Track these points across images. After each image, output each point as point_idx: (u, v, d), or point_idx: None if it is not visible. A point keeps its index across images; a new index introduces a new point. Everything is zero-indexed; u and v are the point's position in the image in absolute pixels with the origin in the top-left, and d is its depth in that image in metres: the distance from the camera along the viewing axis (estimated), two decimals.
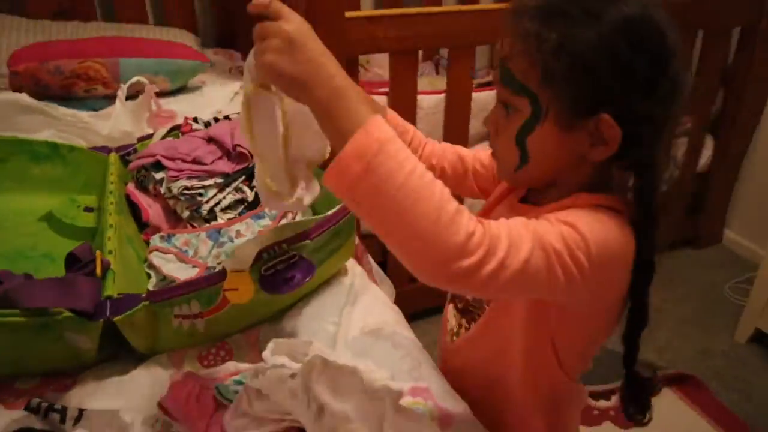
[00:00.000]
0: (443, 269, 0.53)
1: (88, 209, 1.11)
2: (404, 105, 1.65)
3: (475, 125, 1.81)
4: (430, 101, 1.76)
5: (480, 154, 0.91)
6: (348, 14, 1.51)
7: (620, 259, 0.65)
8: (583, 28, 0.61)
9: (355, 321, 0.87)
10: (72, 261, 0.85)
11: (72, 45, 1.48)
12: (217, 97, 1.60)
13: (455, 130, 1.75)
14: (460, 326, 0.82)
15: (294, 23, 0.59)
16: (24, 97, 1.24)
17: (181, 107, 1.54)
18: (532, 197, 0.76)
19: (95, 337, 0.76)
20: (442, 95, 1.74)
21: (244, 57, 1.61)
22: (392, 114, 0.87)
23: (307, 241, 0.83)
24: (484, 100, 1.81)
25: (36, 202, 1.11)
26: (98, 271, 0.79)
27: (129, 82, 1.30)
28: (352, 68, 1.61)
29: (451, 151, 0.92)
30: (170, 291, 0.79)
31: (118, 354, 0.82)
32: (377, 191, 0.53)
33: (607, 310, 0.70)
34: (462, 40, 1.64)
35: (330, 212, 0.89)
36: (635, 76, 0.62)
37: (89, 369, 0.80)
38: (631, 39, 0.61)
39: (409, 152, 0.55)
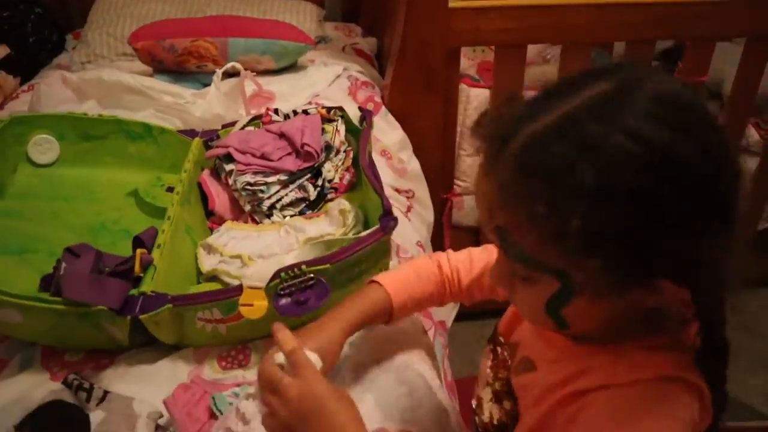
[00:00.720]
0: None
1: (169, 189, 1.20)
2: None
3: None
4: None
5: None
6: (452, 4, 1.48)
7: None
8: (595, 184, 0.47)
9: (368, 343, 0.88)
10: (137, 242, 0.95)
11: (185, 24, 1.59)
12: (318, 80, 1.64)
13: None
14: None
15: (295, 402, 0.60)
16: (127, 78, 1.36)
17: (282, 87, 1.60)
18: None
19: (125, 328, 0.84)
20: None
21: (364, 33, 1.65)
22: (392, 289, 0.80)
23: (328, 266, 0.86)
24: None
25: (128, 178, 1.22)
26: (137, 269, 0.87)
27: (224, 68, 1.38)
28: (453, 59, 1.57)
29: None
30: (193, 298, 0.85)
31: (153, 341, 0.91)
32: None
33: None
34: (576, 37, 1.53)
35: (360, 235, 0.91)
36: (689, 223, 0.48)
37: (125, 352, 0.90)
38: (663, 174, 0.47)
39: None
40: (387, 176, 1.42)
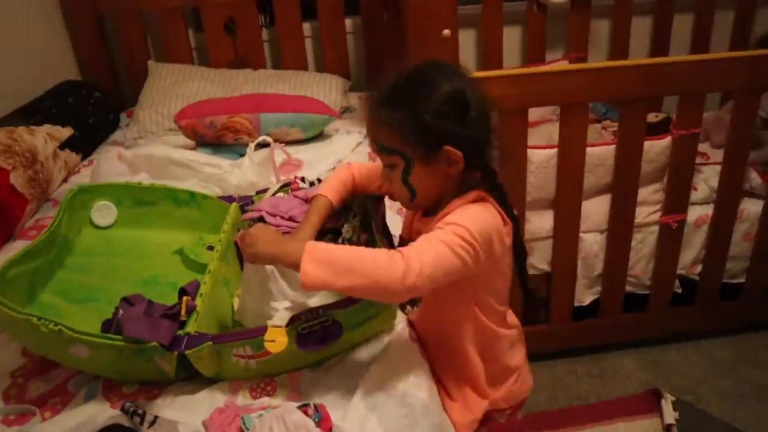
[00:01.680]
0: (398, 296, 0.94)
1: (209, 247, 1.38)
2: (514, 160, 1.74)
3: (590, 179, 1.84)
4: (541, 155, 1.83)
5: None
6: None
7: (494, 229, 0.98)
8: (420, 104, 0.94)
9: (378, 376, 1.02)
10: (182, 292, 1.11)
11: (223, 103, 1.81)
12: (341, 147, 1.83)
13: (569, 184, 1.79)
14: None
15: (255, 230, 1.01)
16: (173, 153, 1.56)
17: (309, 155, 1.79)
18: (430, 211, 1.06)
19: (173, 362, 1.00)
20: (554, 150, 1.79)
21: None
22: (329, 194, 1.22)
23: (342, 310, 1.01)
24: (599, 155, 1.83)
25: (174, 238, 1.41)
26: (183, 312, 1.03)
27: (256, 141, 1.57)
28: None
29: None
30: (229, 336, 1.01)
31: (196, 376, 1.06)
32: (333, 271, 0.89)
33: (499, 266, 1.04)
34: (573, 98, 1.68)
35: None
36: (452, 118, 0.94)
37: (171, 385, 1.05)
38: (449, 102, 0.95)
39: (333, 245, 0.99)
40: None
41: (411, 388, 1.00)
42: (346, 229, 1.33)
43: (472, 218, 0.96)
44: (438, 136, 0.95)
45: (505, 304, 1.13)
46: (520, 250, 1.08)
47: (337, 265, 0.90)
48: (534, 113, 2.22)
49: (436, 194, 1.03)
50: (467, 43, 2.53)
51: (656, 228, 1.93)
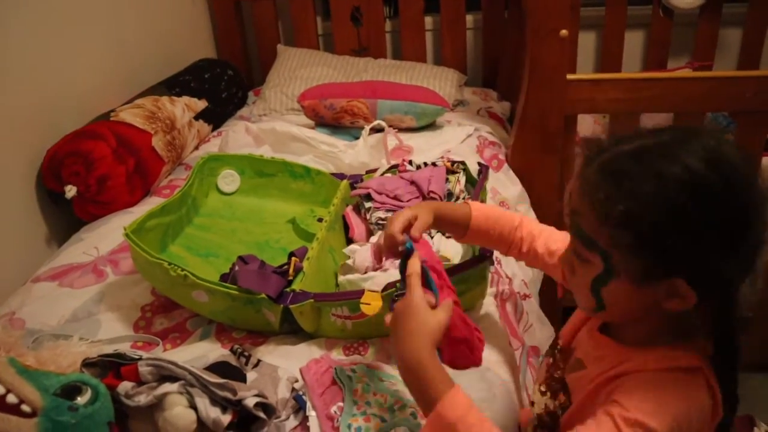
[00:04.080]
0: None
1: (319, 219, 1.49)
2: None
3: None
4: None
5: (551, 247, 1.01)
6: (569, 76, 1.68)
7: (695, 426, 0.70)
8: (647, 191, 0.66)
9: None
10: (291, 255, 1.23)
11: (343, 87, 1.92)
12: (451, 138, 1.89)
13: None
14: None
15: (399, 310, 0.79)
16: (294, 129, 1.69)
17: (419, 143, 1.87)
18: (613, 328, 0.83)
19: (278, 314, 1.11)
20: None
21: (500, 97, 1.99)
22: (477, 212, 1.03)
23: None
24: None
25: (288, 208, 1.53)
26: (291, 271, 1.15)
27: (371, 125, 1.67)
28: (570, 125, 1.76)
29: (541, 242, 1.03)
30: (329, 296, 1.11)
31: (297, 331, 1.17)
32: None
33: None
34: (687, 107, 1.66)
35: (461, 262, 1.12)
36: (710, 238, 0.64)
37: (275, 335, 1.17)
38: (699, 197, 0.64)
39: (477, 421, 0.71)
40: None
41: (493, 366, 1.06)
42: None
43: (665, 413, 0.67)
44: (673, 258, 0.66)
45: None
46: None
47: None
48: (648, 121, 2.20)
49: (630, 317, 0.77)
50: (587, 45, 2.52)
51: None
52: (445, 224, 1.04)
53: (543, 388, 0.92)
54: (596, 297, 0.75)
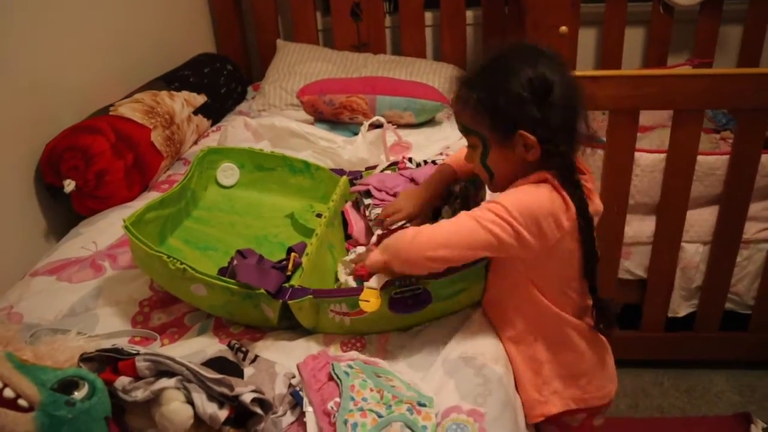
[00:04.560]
0: (420, 267, 1.05)
1: (318, 215, 1.49)
2: (620, 162, 1.74)
3: (698, 187, 1.80)
4: (648, 159, 1.81)
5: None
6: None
7: (544, 210, 0.97)
8: (498, 86, 0.98)
9: (460, 346, 1.09)
10: (290, 250, 1.23)
11: (342, 83, 1.92)
12: (450, 134, 1.89)
13: (675, 192, 1.77)
14: None
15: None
16: (293, 125, 1.69)
17: (418, 139, 1.87)
18: None
19: (276, 310, 1.11)
20: (663, 155, 1.77)
21: None
22: (453, 161, 1.31)
23: (432, 280, 1.08)
24: (709, 163, 1.78)
25: (287, 203, 1.53)
26: (289, 267, 1.15)
27: (370, 121, 1.66)
28: None
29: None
30: (328, 292, 1.11)
31: (295, 326, 1.17)
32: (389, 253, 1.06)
33: (557, 251, 1.02)
34: (687, 104, 1.66)
35: None
36: (532, 106, 0.97)
37: (273, 331, 1.17)
38: (528, 87, 0.96)
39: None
40: None
41: (489, 362, 1.06)
42: (445, 210, 1.40)
43: (517, 198, 0.98)
44: (512, 119, 0.97)
45: (578, 291, 1.09)
46: (589, 248, 1.04)
47: (387, 245, 1.06)
48: (649, 118, 2.20)
49: (511, 176, 1.04)
50: (587, 41, 2.51)
51: (765, 246, 1.86)
52: (440, 194, 1.32)
53: None
54: (487, 170, 1.06)
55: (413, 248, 1.01)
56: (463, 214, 1.01)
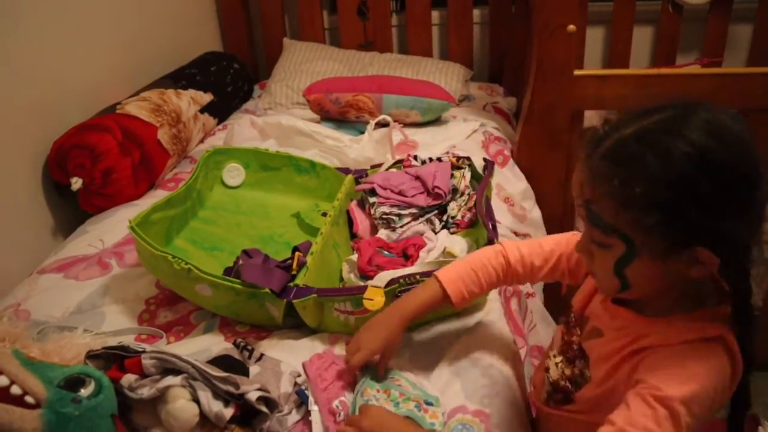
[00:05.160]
0: None
1: (324, 214, 1.49)
2: None
3: None
4: None
5: (570, 254, 0.98)
6: (576, 72, 1.67)
7: (719, 393, 0.73)
8: (658, 170, 0.68)
9: (466, 346, 1.09)
10: (295, 249, 1.23)
11: (349, 82, 1.92)
12: (456, 133, 1.89)
13: None
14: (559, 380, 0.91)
15: (370, 418, 0.87)
16: (299, 123, 1.69)
17: (425, 138, 1.87)
18: (627, 299, 0.82)
19: (281, 309, 1.11)
20: None
21: (506, 93, 1.98)
22: (446, 279, 0.98)
23: None
24: None
25: (293, 202, 1.53)
26: (294, 266, 1.15)
27: (377, 119, 1.66)
28: (576, 120, 1.75)
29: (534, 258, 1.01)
30: (332, 291, 1.11)
31: (300, 325, 1.17)
32: None
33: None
34: None
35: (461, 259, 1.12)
36: (722, 206, 0.68)
37: (279, 330, 1.17)
38: (707, 168, 0.67)
39: None
40: (506, 220, 1.62)
41: (496, 362, 1.06)
42: (451, 207, 1.40)
43: (695, 386, 0.70)
44: (692, 229, 0.69)
45: None
46: (742, 401, 0.80)
47: None
48: None
49: (655, 290, 0.78)
50: (595, 40, 2.50)
51: None
52: (424, 314, 1.02)
53: (558, 356, 0.92)
54: (620, 278, 0.77)
55: None
56: (625, 418, 0.71)
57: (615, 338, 0.83)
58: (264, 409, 0.93)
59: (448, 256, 1.26)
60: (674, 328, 0.75)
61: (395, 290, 1.07)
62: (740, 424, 0.81)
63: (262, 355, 1.08)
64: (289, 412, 0.98)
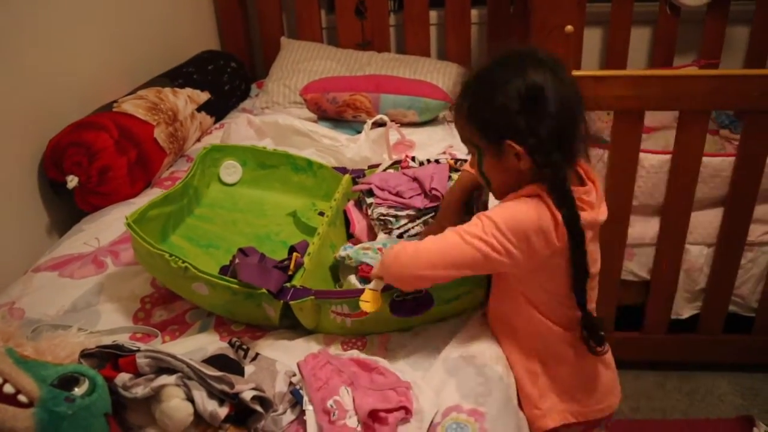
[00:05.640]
0: (408, 283, 1.05)
1: (320, 213, 1.49)
2: (624, 163, 1.73)
3: (703, 189, 1.79)
4: (654, 160, 1.80)
5: None
6: (574, 73, 1.65)
7: (534, 226, 0.94)
8: (487, 96, 0.96)
9: (461, 345, 1.09)
10: (292, 249, 1.22)
11: (346, 81, 1.92)
12: (453, 133, 1.88)
13: (679, 193, 1.75)
14: None
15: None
16: (296, 123, 1.68)
17: (422, 138, 1.87)
18: None
19: (278, 309, 1.11)
20: (668, 156, 1.76)
21: None
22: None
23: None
24: (715, 165, 1.78)
25: (290, 201, 1.53)
26: (291, 266, 1.14)
27: (374, 119, 1.66)
28: None
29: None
30: (330, 293, 1.11)
31: (296, 325, 1.17)
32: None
33: (546, 266, 0.99)
34: (693, 105, 1.65)
35: None
36: (520, 116, 0.93)
37: (274, 330, 1.17)
38: (516, 97, 0.93)
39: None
40: None
41: (489, 362, 1.06)
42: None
43: (507, 212, 0.96)
44: (499, 129, 0.95)
45: (570, 305, 1.03)
46: (579, 265, 0.98)
47: (382, 260, 1.06)
48: (654, 118, 2.19)
49: (508, 185, 1.02)
50: (593, 41, 2.50)
51: None
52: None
53: None
54: (484, 178, 1.05)
55: (399, 266, 1.01)
56: (449, 230, 0.99)
57: None
58: (259, 408, 0.93)
59: None
60: (507, 198, 1.01)
61: (392, 294, 1.07)
62: (582, 287, 1.00)
63: (257, 354, 1.08)
64: (284, 412, 0.97)
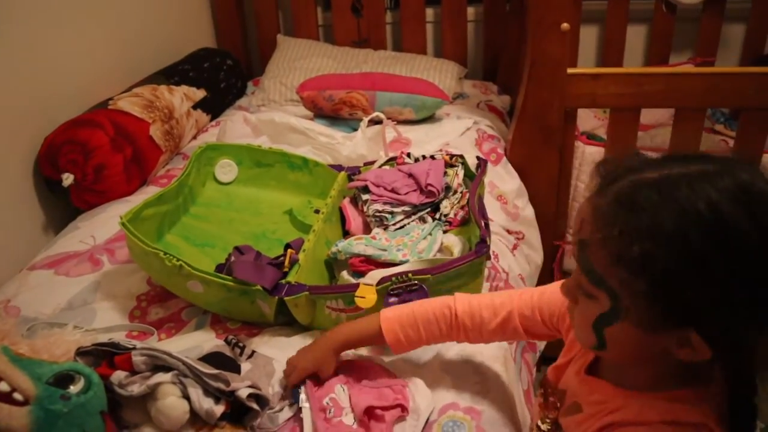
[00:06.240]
0: None
1: (316, 211, 1.48)
2: None
3: None
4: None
5: (522, 309, 0.92)
6: (570, 71, 1.67)
7: None
8: (666, 231, 0.58)
9: (456, 344, 1.08)
10: (287, 247, 1.22)
11: (342, 79, 1.91)
12: (450, 130, 1.89)
13: None
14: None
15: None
16: (292, 120, 1.68)
17: (418, 135, 1.86)
18: (606, 367, 0.76)
19: (273, 306, 1.11)
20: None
21: (500, 91, 1.95)
22: (390, 336, 0.96)
23: (429, 276, 1.08)
24: None
25: (285, 199, 1.53)
26: (286, 263, 1.14)
27: (370, 117, 1.66)
28: (570, 119, 1.75)
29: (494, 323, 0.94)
30: (324, 289, 1.11)
31: (292, 323, 1.17)
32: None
33: None
34: (689, 102, 1.65)
35: (453, 258, 1.12)
36: (730, 291, 0.57)
37: (270, 327, 1.17)
38: (724, 243, 0.57)
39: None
40: (499, 218, 1.62)
41: (487, 360, 1.06)
42: (444, 205, 1.40)
43: None
44: (690, 311, 0.60)
45: None
46: None
47: None
48: (650, 116, 2.20)
49: (632, 361, 0.71)
50: (589, 39, 2.50)
51: None
52: (358, 346, 1.06)
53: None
54: (598, 335, 0.68)
55: None
56: None
57: (594, 413, 0.74)
58: (255, 406, 0.93)
59: (446, 251, 1.26)
60: (652, 406, 0.67)
61: (387, 288, 1.07)
62: None
63: (253, 352, 1.08)
64: (281, 410, 0.97)
